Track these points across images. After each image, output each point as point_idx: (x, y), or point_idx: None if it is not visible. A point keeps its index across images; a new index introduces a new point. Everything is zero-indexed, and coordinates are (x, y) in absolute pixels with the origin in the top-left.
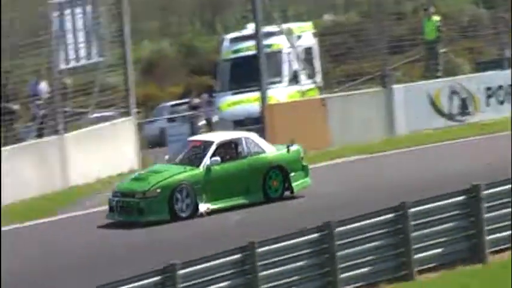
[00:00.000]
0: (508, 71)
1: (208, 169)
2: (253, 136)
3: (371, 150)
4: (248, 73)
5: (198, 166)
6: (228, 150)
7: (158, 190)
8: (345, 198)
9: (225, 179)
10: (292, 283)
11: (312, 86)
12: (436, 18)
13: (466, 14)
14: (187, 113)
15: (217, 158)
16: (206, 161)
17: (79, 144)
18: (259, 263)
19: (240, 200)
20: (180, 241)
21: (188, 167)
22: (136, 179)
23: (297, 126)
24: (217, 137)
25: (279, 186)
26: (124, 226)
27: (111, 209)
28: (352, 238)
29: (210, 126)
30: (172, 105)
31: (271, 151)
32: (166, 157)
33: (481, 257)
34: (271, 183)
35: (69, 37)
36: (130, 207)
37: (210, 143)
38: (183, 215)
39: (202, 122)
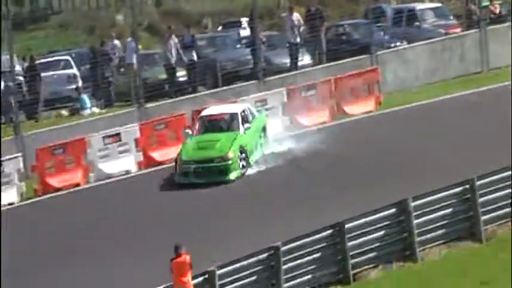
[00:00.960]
0: None
1: (245, 133)
2: (249, 105)
3: None
4: None
5: (238, 131)
6: (244, 117)
7: (231, 154)
8: None
9: (251, 139)
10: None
11: None
12: None
13: None
14: None
15: (249, 125)
16: (241, 128)
17: None
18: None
19: (258, 155)
20: None
21: (232, 133)
22: (201, 148)
23: None
24: (237, 108)
25: (265, 142)
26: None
27: (185, 174)
28: None
29: None
30: None
31: (259, 115)
32: (189, 131)
33: None
34: (262, 140)
35: None
36: (211, 171)
37: (235, 114)
38: (243, 171)
39: None
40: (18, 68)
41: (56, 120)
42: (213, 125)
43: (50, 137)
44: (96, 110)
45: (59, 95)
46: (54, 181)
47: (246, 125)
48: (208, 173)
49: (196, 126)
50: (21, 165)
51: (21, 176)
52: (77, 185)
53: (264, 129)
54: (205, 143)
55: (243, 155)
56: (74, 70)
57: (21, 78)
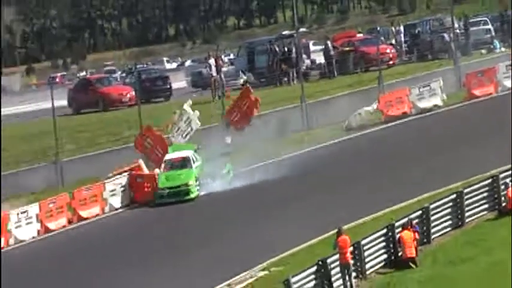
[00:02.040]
0: None
1: (195, 169)
2: (192, 151)
3: None
4: None
5: (192, 168)
6: (192, 159)
7: (191, 182)
8: None
9: (198, 172)
10: None
11: None
12: None
13: None
14: None
15: (198, 163)
16: (193, 165)
17: None
18: None
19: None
20: None
21: (189, 169)
22: (171, 180)
23: None
24: (187, 153)
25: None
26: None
27: (161, 197)
28: None
29: None
30: None
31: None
32: (158, 170)
33: None
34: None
35: None
36: (179, 193)
37: (188, 157)
38: (198, 193)
39: None
40: (456, 25)
41: (479, 56)
42: (174, 165)
43: (476, 66)
44: (503, 49)
45: (480, 40)
46: (477, 92)
47: (196, 164)
48: (177, 195)
49: (163, 166)
50: (439, 85)
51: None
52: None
53: (201, 166)
54: (172, 176)
55: (197, 182)
56: (489, 26)
57: (458, 31)
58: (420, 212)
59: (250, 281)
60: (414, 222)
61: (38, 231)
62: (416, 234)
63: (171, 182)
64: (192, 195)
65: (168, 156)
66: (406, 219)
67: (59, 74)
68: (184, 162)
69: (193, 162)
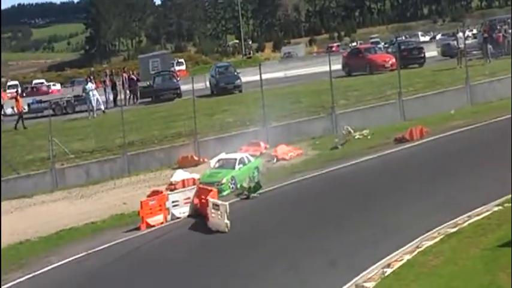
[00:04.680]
0: None
1: (239, 170)
2: (247, 154)
3: None
4: None
5: (234, 169)
6: (240, 161)
7: (224, 180)
8: None
9: (242, 173)
10: None
11: None
12: None
13: None
14: None
15: (241, 165)
16: (237, 166)
17: None
18: None
19: (246, 182)
20: None
21: (230, 169)
22: (210, 176)
23: None
24: (237, 156)
25: (257, 175)
26: None
27: None
28: None
29: None
30: None
31: (254, 159)
32: (211, 165)
33: None
34: (255, 174)
35: None
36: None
37: (235, 159)
38: (233, 191)
39: None
40: None
41: None
42: (223, 164)
43: None
44: None
45: None
46: None
47: (240, 165)
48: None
49: (216, 165)
50: None
51: None
52: None
53: (256, 168)
54: (213, 173)
55: (233, 181)
56: None
57: None
58: None
59: (486, 214)
60: None
61: None
62: None
63: (209, 178)
64: (224, 193)
65: (223, 156)
66: None
67: (335, 44)
68: (233, 163)
69: (239, 165)
